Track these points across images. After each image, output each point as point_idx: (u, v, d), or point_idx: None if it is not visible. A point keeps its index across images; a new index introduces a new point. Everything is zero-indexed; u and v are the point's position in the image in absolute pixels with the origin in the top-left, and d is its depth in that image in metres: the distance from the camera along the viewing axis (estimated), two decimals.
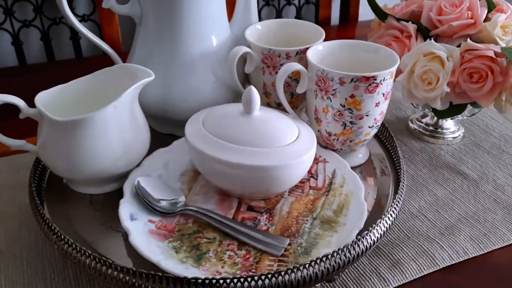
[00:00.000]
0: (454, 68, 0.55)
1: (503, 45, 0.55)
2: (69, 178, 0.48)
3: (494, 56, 0.53)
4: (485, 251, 0.50)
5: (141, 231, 0.42)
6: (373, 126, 0.51)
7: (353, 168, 0.54)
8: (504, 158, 0.64)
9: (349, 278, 0.45)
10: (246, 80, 0.59)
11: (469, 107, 0.61)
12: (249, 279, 0.35)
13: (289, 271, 0.37)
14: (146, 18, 0.53)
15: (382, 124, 0.60)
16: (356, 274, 0.46)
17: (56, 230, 0.41)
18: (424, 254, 0.49)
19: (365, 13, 1.16)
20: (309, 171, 0.51)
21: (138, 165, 0.50)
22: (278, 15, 1.11)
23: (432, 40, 0.55)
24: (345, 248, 0.39)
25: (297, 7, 1.13)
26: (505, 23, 0.55)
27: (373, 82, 0.47)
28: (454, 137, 0.67)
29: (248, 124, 0.46)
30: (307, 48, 0.52)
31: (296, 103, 0.57)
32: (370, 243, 0.41)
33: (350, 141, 0.52)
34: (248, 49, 0.53)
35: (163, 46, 0.53)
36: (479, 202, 0.57)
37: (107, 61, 0.83)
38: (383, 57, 0.51)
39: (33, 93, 0.46)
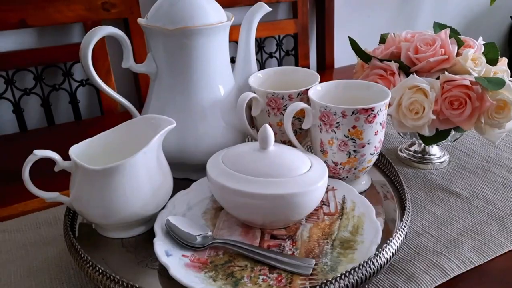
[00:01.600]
0: (436, 98, 0.61)
1: (476, 74, 0.62)
2: (103, 223, 0.51)
3: (469, 85, 0.60)
4: (488, 259, 0.55)
5: (177, 265, 0.45)
6: (374, 153, 0.57)
7: (359, 193, 0.59)
8: (489, 176, 0.70)
9: None
10: (251, 122, 0.65)
11: (453, 133, 0.68)
12: None
13: (323, 285, 0.40)
14: (161, 74, 0.58)
15: (380, 153, 0.66)
16: None
17: (101, 270, 0.43)
18: (434, 266, 0.53)
19: (339, 60, 1.25)
20: (321, 200, 0.56)
21: (163, 208, 0.54)
22: (262, 67, 1.19)
23: (415, 75, 0.62)
24: (369, 261, 0.43)
25: (278, 59, 1.21)
26: (475, 56, 0.63)
27: (372, 113, 0.53)
28: (441, 162, 0.73)
29: (265, 158, 0.50)
30: (307, 90, 0.58)
31: (300, 140, 0.62)
32: (390, 255, 0.45)
33: (355, 169, 0.57)
34: (254, 94, 0.59)
35: (176, 97, 0.58)
36: (474, 216, 0.62)
37: (104, 121, 0.87)
38: (375, 93, 0.58)
39: None
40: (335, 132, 0.54)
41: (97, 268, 0.44)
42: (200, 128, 0.59)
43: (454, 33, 0.68)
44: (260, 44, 1.17)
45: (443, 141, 0.71)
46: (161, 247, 0.47)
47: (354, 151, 0.55)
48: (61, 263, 0.54)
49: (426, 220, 0.61)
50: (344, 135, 0.54)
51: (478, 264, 0.54)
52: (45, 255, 0.56)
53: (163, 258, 0.45)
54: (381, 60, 0.67)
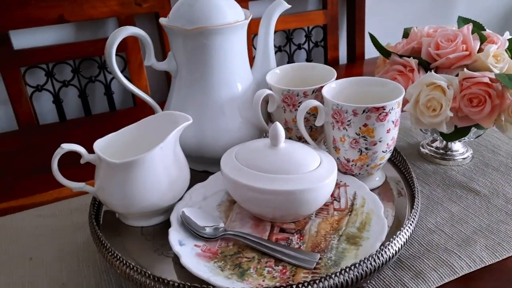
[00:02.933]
0: (455, 95, 0.61)
1: (497, 71, 0.61)
2: (123, 212, 0.55)
3: (489, 82, 0.59)
4: (500, 259, 0.55)
5: (189, 254, 0.48)
6: (386, 150, 0.57)
7: (372, 190, 0.60)
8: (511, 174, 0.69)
9: None
10: (268, 118, 0.67)
11: (474, 129, 0.67)
12: (288, 287, 0.41)
13: (322, 279, 0.42)
14: (181, 71, 0.61)
15: (395, 149, 0.66)
16: (382, 285, 0.51)
17: (118, 257, 0.47)
18: (444, 264, 0.54)
19: (370, 51, 1.24)
20: (332, 195, 0.57)
21: (180, 199, 0.57)
22: (290, 59, 1.20)
23: (433, 72, 0.62)
24: (370, 257, 0.45)
25: (307, 51, 1.22)
26: (497, 53, 0.62)
27: (383, 112, 0.54)
28: (463, 158, 0.73)
29: (275, 155, 0.52)
30: (322, 87, 0.59)
31: (315, 136, 0.64)
32: (393, 252, 0.46)
33: (367, 166, 0.58)
34: (270, 91, 0.60)
35: (196, 94, 0.61)
36: (491, 215, 0.61)
37: (136, 112, 0.91)
38: (389, 90, 0.58)
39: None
40: (346, 130, 0.55)
41: (115, 254, 0.47)
42: (218, 124, 0.62)
43: (477, 28, 0.67)
44: (288, 36, 1.18)
45: (465, 138, 0.70)
46: (175, 236, 0.50)
47: (366, 148, 0.56)
48: (89, 248, 0.59)
49: (441, 217, 0.61)
50: (356, 133, 0.55)
51: (489, 263, 0.54)
52: (74, 240, 0.61)
53: (176, 247, 0.49)
54: (401, 56, 0.67)
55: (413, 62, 0.65)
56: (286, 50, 1.19)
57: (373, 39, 0.69)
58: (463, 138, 0.70)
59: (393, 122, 0.55)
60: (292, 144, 0.54)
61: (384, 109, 0.53)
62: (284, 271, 0.47)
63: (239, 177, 0.51)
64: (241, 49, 0.62)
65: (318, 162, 0.53)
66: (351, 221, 0.53)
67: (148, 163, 0.51)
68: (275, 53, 1.16)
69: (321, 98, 0.58)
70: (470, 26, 0.64)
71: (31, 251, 0.60)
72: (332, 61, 1.23)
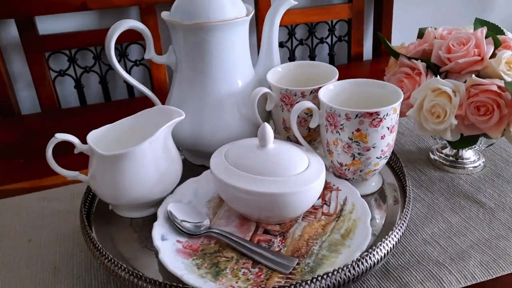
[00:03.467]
0: (461, 102, 0.58)
1: (508, 79, 0.58)
2: (113, 203, 0.56)
3: (498, 90, 0.56)
4: (494, 276, 0.52)
5: (169, 250, 0.49)
6: (381, 157, 0.56)
7: (366, 195, 0.59)
8: None
9: None
10: (269, 116, 0.66)
11: (484, 138, 0.64)
12: None
13: (292, 286, 0.42)
14: (181, 66, 0.61)
15: (394, 154, 0.64)
16: None
17: (99, 247, 0.48)
18: (432, 278, 0.52)
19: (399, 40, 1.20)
20: (323, 198, 0.57)
21: (171, 192, 0.57)
22: (312, 53, 1.18)
23: (438, 77, 0.59)
24: (345, 268, 0.44)
25: (329, 45, 1.19)
26: (510, 59, 0.59)
27: (377, 117, 0.52)
28: (474, 167, 0.70)
29: (263, 156, 0.52)
30: (320, 87, 0.58)
31: (314, 136, 0.63)
32: (371, 263, 0.45)
33: (361, 171, 0.56)
34: (267, 90, 0.60)
35: (195, 89, 0.61)
36: (493, 229, 0.59)
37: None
38: (390, 93, 0.56)
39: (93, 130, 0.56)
40: (339, 134, 0.54)
41: (96, 244, 0.49)
42: (215, 119, 0.62)
43: (493, 32, 0.63)
44: (311, 29, 1.16)
45: (475, 146, 0.67)
46: (159, 230, 0.51)
47: (359, 153, 0.55)
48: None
49: (439, 228, 0.59)
50: (348, 138, 0.54)
51: (481, 280, 0.52)
52: (73, 224, 0.63)
53: (157, 242, 0.49)
54: (409, 58, 0.65)
55: (420, 65, 0.62)
56: (308, 44, 1.17)
57: (382, 38, 0.67)
58: (473, 147, 0.67)
59: (388, 128, 0.54)
60: (281, 145, 0.54)
61: (378, 115, 0.52)
62: (259, 273, 0.47)
63: (226, 176, 0.51)
64: (242, 45, 0.61)
65: (306, 165, 0.52)
66: (337, 227, 0.52)
67: (137, 157, 0.52)
68: (296, 46, 1.16)
69: (318, 99, 0.57)
70: (484, 30, 0.61)
71: (31, 233, 0.62)
72: (355, 57, 1.20)
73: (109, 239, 0.54)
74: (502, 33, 0.64)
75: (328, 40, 1.18)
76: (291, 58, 1.17)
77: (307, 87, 0.59)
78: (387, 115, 0.52)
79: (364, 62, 1.20)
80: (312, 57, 1.18)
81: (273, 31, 0.64)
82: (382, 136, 0.54)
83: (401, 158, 0.73)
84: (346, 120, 0.53)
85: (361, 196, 0.59)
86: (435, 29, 0.67)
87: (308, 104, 0.55)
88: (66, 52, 1.03)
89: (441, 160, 0.71)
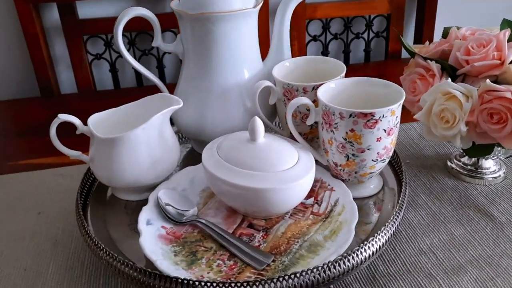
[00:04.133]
0: (474, 108, 0.55)
1: None
2: (109, 185, 0.58)
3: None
4: None
5: (152, 234, 0.50)
6: (377, 160, 0.53)
7: (364, 198, 0.57)
8: None
9: None
10: (275, 110, 0.65)
11: (501, 148, 0.60)
12: (214, 284, 0.41)
13: (256, 283, 0.42)
14: (188, 55, 0.62)
15: (397, 157, 0.61)
16: None
17: (84, 225, 0.50)
18: None
19: None
20: (316, 198, 0.55)
21: (167, 178, 0.58)
22: (346, 48, 1.15)
23: (449, 80, 0.56)
24: (315, 269, 0.43)
25: (365, 41, 1.15)
26: None
27: (372, 118, 0.50)
28: (494, 177, 0.65)
29: (252, 151, 0.51)
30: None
31: (316, 134, 0.61)
32: (345, 268, 0.44)
33: (355, 173, 0.55)
34: (269, 83, 0.59)
35: (200, 79, 0.62)
36: (498, 246, 0.55)
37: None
38: (393, 92, 0.54)
39: None
40: (333, 133, 0.53)
41: (83, 224, 0.51)
42: (219, 111, 0.62)
43: None
44: (347, 24, 1.13)
45: (493, 156, 0.63)
46: (146, 215, 0.52)
47: (353, 154, 0.53)
48: None
49: (439, 239, 0.56)
50: (342, 137, 0.52)
51: None
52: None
53: (141, 225, 0.51)
54: (425, 59, 0.61)
55: (434, 66, 0.59)
56: (342, 39, 1.14)
57: (398, 34, 0.64)
58: (491, 156, 0.63)
59: (385, 130, 0.51)
60: (272, 140, 0.53)
61: (373, 116, 0.50)
62: (233, 266, 0.47)
63: (215, 169, 0.51)
64: (250, 37, 0.61)
65: (295, 162, 0.51)
66: (322, 228, 0.51)
67: (130, 142, 0.53)
68: (330, 40, 1.13)
69: None
70: (507, 32, 0.57)
71: (41, 206, 0.66)
72: (393, 54, 1.15)
73: (102, 220, 0.56)
74: None
75: (365, 35, 1.15)
76: (324, 53, 1.15)
77: (309, 83, 0.58)
78: (383, 116, 0.50)
79: (402, 60, 1.16)
80: (346, 52, 1.15)
81: (283, 25, 0.63)
82: (378, 139, 0.51)
83: (416, 163, 0.71)
84: (340, 119, 0.51)
85: (359, 198, 0.57)
86: (459, 28, 0.63)
87: (304, 100, 0.54)
88: (103, 37, 1.06)
89: (458, 169, 0.67)
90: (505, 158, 0.64)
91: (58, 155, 0.79)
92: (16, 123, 0.96)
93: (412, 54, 0.63)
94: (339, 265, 0.44)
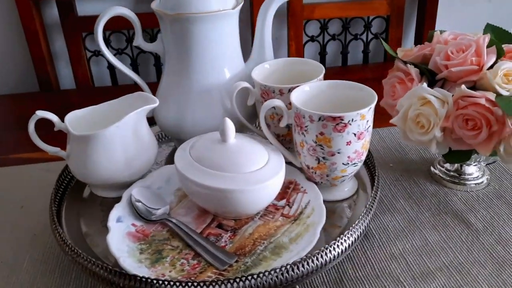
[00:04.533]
0: (449, 114, 0.54)
1: (505, 93, 0.53)
2: (85, 181, 0.59)
3: (487, 105, 0.52)
4: None
5: (121, 232, 0.51)
6: (349, 163, 0.53)
7: (338, 201, 0.57)
8: None
9: None
10: (255, 111, 0.65)
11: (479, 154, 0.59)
12: (171, 283, 0.42)
13: (213, 282, 0.42)
14: (168, 55, 0.63)
15: (371, 162, 0.61)
16: None
17: (54, 220, 0.51)
18: None
19: None
20: (288, 199, 0.56)
21: (144, 176, 0.59)
22: (344, 49, 1.15)
23: (425, 85, 0.55)
24: (273, 271, 0.43)
25: (364, 42, 1.15)
26: (510, 72, 0.53)
27: (341, 122, 0.50)
28: (477, 183, 0.65)
29: (222, 151, 0.52)
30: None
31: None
32: (303, 271, 0.44)
33: (327, 176, 0.55)
34: (246, 85, 0.59)
35: (179, 79, 0.62)
36: (471, 253, 0.54)
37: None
38: (367, 96, 0.54)
39: None
40: (304, 136, 0.53)
41: (53, 218, 0.52)
42: (197, 111, 0.62)
43: (504, 40, 0.58)
44: (345, 25, 1.12)
45: (473, 162, 0.62)
46: (117, 212, 0.53)
47: (323, 158, 0.53)
48: None
49: (412, 244, 0.56)
50: (313, 140, 0.52)
51: None
52: None
53: (111, 222, 0.51)
54: (405, 62, 0.61)
55: (413, 71, 0.58)
56: (340, 39, 1.14)
57: (381, 39, 0.63)
58: (471, 162, 0.62)
59: (355, 134, 0.51)
60: (243, 141, 0.53)
61: (342, 120, 0.50)
62: (196, 266, 0.47)
63: (185, 169, 0.51)
64: (229, 37, 0.61)
65: (264, 163, 0.51)
66: (289, 230, 0.51)
67: (104, 139, 0.54)
68: (328, 41, 1.13)
69: None
70: (487, 37, 0.56)
71: (25, 201, 0.67)
72: (391, 57, 1.14)
73: (76, 214, 0.57)
74: None
75: (363, 36, 1.14)
76: (322, 53, 1.14)
77: (285, 85, 0.58)
78: (352, 120, 0.50)
79: None
80: (344, 53, 1.15)
81: (265, 26, 0.63)
82: (347, 142, 0.51)
83: (400, 167, 0.70)
84: (310, 122, 0.51)
85: (334, 201, 0.57)
86: (442, 32, 0.62)
87: (276, 102, 0.54)
88: (125, 32, 1.07)
89: (441, 174, 0.66)
90: (486, 164, 0.63)
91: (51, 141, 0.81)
92: (14, 116, 0.98)
93: (394, 57, 0.63)
94: (298, 268, 0.44)
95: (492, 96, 0.52)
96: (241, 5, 0.60)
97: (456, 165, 0.66)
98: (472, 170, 0.65)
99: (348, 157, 0.52)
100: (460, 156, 0.59)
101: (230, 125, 0.52)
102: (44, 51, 1.05)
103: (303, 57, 1.11)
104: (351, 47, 1.15)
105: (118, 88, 1.11)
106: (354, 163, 0.54)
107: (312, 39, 1.13)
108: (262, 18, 0.63)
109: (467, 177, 0.65)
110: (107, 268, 0.44)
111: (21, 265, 0.56)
